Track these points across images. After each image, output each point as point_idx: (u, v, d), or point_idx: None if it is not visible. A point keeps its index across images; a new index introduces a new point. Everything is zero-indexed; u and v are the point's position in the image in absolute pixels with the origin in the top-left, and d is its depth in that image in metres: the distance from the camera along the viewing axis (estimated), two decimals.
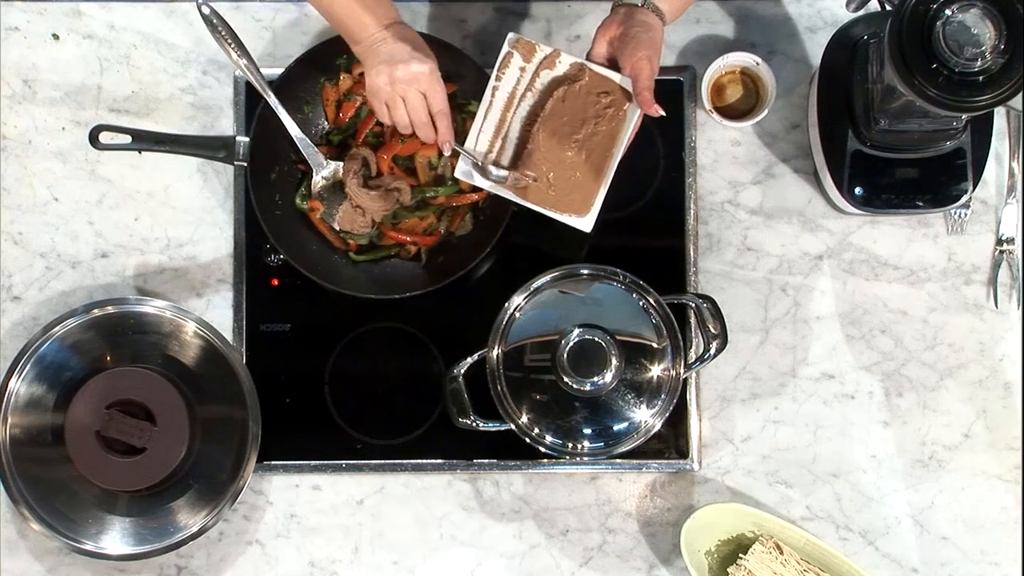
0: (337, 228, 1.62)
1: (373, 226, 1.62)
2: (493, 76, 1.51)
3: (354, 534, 1.64)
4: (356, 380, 1.66)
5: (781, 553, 1.58)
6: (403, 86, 1.47)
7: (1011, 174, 1.66)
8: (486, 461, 1.63)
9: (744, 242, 1.66)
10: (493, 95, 1.51)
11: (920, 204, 1.56)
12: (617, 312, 1.52)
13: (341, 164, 1.61)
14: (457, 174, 1.52)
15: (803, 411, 1.65)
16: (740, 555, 1.58)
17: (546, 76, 1.51)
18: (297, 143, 1.60)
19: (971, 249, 1.66)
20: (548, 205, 1.51)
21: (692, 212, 1.66)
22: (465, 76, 1.62)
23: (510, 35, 1.51)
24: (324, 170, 1.61)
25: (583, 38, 1.69)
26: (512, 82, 1.52)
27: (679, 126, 1.67)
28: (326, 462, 1.64)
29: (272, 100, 1.57)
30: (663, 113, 1.44)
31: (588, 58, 1.50)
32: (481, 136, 1.52)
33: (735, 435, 1.65)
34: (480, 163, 1.50)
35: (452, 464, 1.64)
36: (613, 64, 1.48)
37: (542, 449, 1.53)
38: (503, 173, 1.49)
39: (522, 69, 1.51)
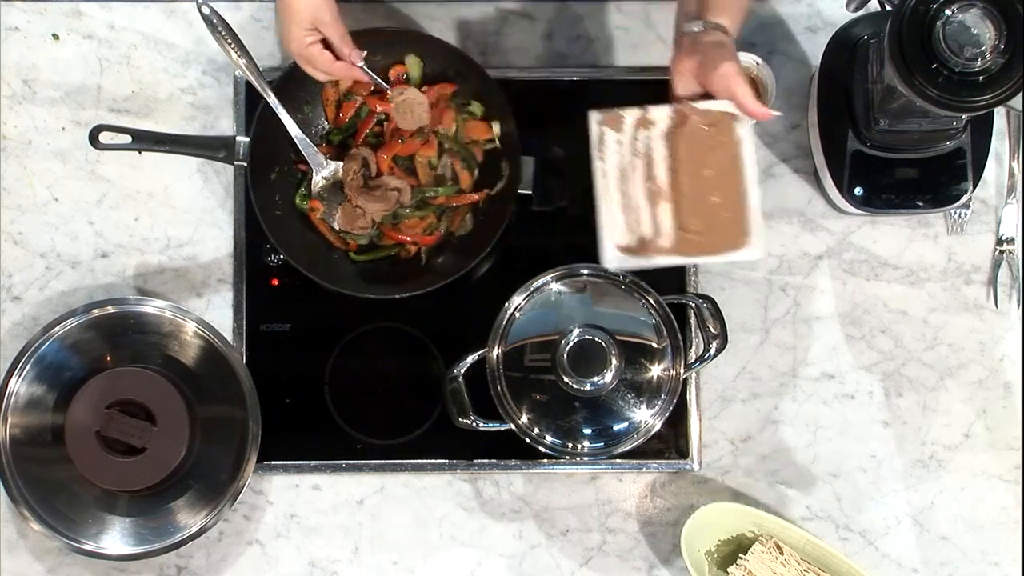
0: (337, 228, 1.62)
1: (373, 226, 1.62)
2: (595, 159, 1.45)
3: (354, 534, 1.64)
4: (356, 380, 1.66)
5: (781, 553, 1.58)
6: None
7: (1011, 174, 1.66)
8: (486, 461, 1.63)
9: None
10: (605, 177, 1.45)
11: (920, 204, 1.56)
12: (617, 312, 1.52)
13: (341, 164, 1.61)
14: (608, 265, 1.45)
15: (803, 411, 1.65)
16: (740, 555, 1.58)
17: (646, 137, 1.45)
18: (297, 143, 1.60)
19: (971, 249, 1.66)
20: (710, 252, 1.44)
21: None
22: (466, 76, 1.62)
23: (592, 113, 1.45)
24: (324, 170, 1.61)
25: (582, 39, 1.69)
26: (615, 158, 1.45)
27: None
28: (326, 462, 1.64)
29: (272, 100, 1.57)
30: (778, 114, 1.41)
31: (676, 99, 1.45)
32: (615, 221, 1.45)
33: (735, 435, 1.65)
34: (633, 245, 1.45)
35: (452, 464, 1.64)
36: (703, 95, 1.43)
37: (542, 449, 1.53)
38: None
39: (619, 142, 1.45)
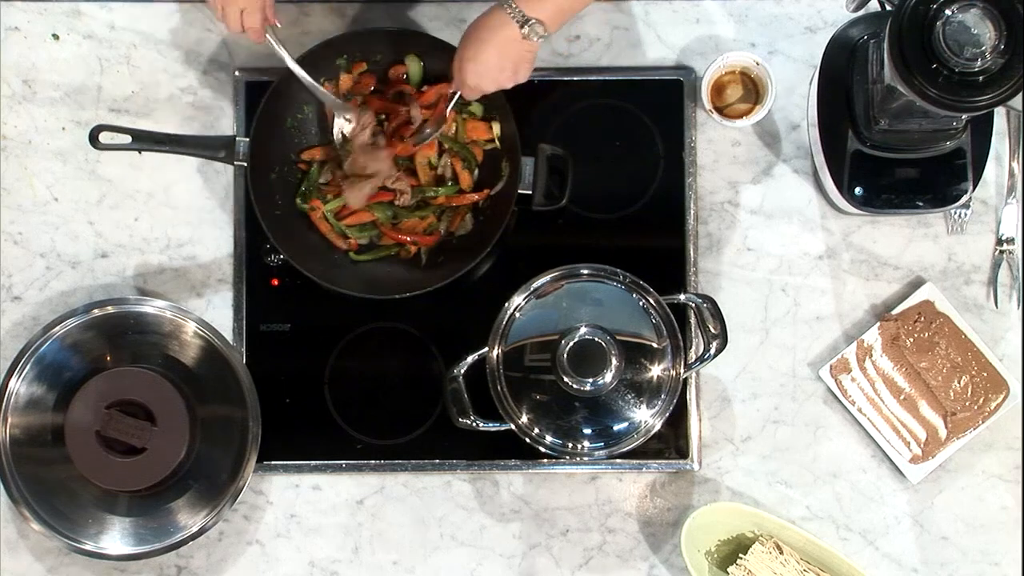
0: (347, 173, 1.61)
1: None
2: (849, 408, 1.62)
3: (354, 534, 1.64)
4: (356, 380, 1.66)
5: (781, 553, 1.58)
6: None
7: (1011, 174, 1.66)
8: (486, 461, 1.63)
9: (744, 242, 1.66)
10: (862, 414, 1.62)
11: (920, 204, 1.56)
12: (617, 312, 1.52)
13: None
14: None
15: (803, 411, 1.65)
16: (740, 555, 1.58)
17: (871, 361, 1.61)
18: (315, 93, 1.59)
19: (971, 249, 1.66)
20: (983, 418, 1.61)
21: (692, 212, 1.66)
22: None
23: (822, 372, 1.62)
24: (347, 112, 1.60)
25: (582, 38, 1.69)
26: (860, 394, 1.61)
27: (679, 126, 1.67)
28: (326, 462, 1.64)
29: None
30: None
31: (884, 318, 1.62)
32: (895, 446, 1.62)
33: (735, 435, 1.65)
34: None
35: (452, 464, 1.64)
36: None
37: (542, 449, 1.53)
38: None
39: (854, 379, 1.61)
